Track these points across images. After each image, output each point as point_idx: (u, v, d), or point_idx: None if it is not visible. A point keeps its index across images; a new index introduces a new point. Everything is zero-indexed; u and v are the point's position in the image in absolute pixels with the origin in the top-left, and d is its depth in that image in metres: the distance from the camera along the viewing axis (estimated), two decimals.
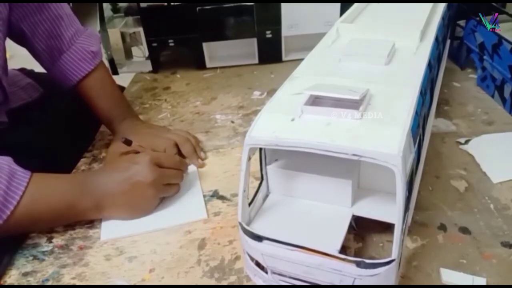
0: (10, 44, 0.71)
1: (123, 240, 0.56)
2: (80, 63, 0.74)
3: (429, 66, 0.55)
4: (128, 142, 0.65)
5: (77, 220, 0.59)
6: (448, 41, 0.90)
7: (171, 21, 0.98)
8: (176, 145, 0.70)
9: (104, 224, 0.58)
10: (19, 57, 0.82)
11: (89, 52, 0.75)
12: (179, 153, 0.70)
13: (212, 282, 0.50)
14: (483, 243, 0.51)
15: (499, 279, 0.47)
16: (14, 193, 0.52)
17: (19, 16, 0.69)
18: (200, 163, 0.70)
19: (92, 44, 0.76)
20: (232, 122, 0.82)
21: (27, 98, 0.80)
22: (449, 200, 0.58)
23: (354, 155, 0.39)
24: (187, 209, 0.61)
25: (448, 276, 0.48)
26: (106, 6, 1.09)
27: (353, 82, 0.48)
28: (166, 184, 0.60)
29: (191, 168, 0.68)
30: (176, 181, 0.62)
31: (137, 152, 0.69)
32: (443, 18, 0.70)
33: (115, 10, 1.14)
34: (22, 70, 0.86)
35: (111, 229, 0.58)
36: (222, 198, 0.62)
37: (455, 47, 0.95)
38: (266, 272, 0.46)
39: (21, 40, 0.72)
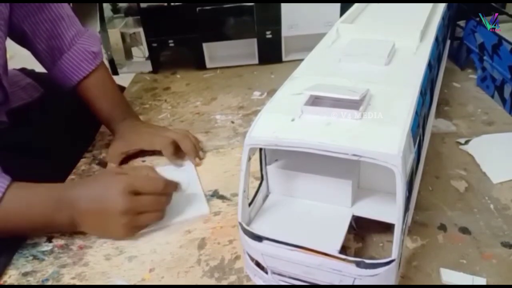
0: (10, 44, 0.71)
1: (123, 239, 0.56)
2: (81, 64, 0.74)
3: (429, 66, 0.55)
4: (103, 165, 0.65)
5: (55, 232, 0.58)
6: (448, 42, 0.90)
7: (171, 21, 0.98)
8: (175, 143, 0.70)
9: None
10: (20, 57, 0.82)
11: (90, 53, 0.75)
12: (178, 150, 0.70)
13: (212, 282, 0.50)
14: (483, 243, 0.52)
15: (499, 279, 0.47)
16: None
17: (20, 16, 0.69)
18: (198, 162, 0.70)
19: (93, 44, 0.76)
20: (232, 122, 0.82)
21: (27, 98, 0.80)
22: (449, 200, 0.58)
23: (354, 155, 0.39)
24: (189, 206, 0.61)
25: (448, 276, 0.48)
26: (106, 6, 1.09)
27: (353, 82, 0.48)
28: (143, 212, 0.55)
29: (190, 166, 0.68)
30: (156, 208, 0.56)
31: (135, 154, 0.69)
32: (443, 18, 0.70)
33: (115, 10, 1.14)
34: (23, 70, 0.86)
35: None
36: (222, 198, 0.62)
37: (455, 48, 0.95)
38: (266, 272, 0.46)
39: (22, 40, 0.72)
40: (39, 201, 0.54)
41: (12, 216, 0.53)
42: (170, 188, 0.58)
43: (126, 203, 0.53)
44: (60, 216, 0.54)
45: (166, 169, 0.66)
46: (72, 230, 0.57)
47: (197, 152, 0.71)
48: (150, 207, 0.56)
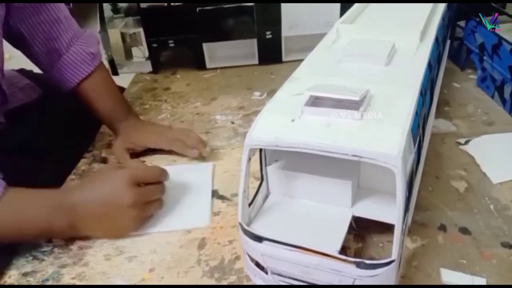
0: (9, 45, 0.71)
1: (123, 239, 0.56)
2: (80, 65, 0.74)
3: (429, 66, 0.55)
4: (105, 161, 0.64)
5: (53, 238, 0.57)
6: (448, 42, 0.90)
7: (171, 21, 0.98)
8: (181, 141, 0.71)
9: None
10: (19, 58, 0.82)
11: (88, 54, 0.75)
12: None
13: (212, 282, 0.50)
14: (483, 243, 0.52)
15: (499, 279, 0.47)
16: None
17: (18, 19, 0.69)
18: (207, 151, 0.70)
19: (91, 45, 0.76)
20: (232, 122, 0.82)
21: (26, 99, 0.79)
22: (449, 200, 0.58)
23: (354, 155, 0.39)
24: (192, 215, 0.59)
25: (448, 276, 0.48)
26: (106, 7, 1.09)
27: (353, 83, 0.48)
28: (148, 201, 0.57)
29: (208, 167, 0.68)
30: (157, 196, 0.58)
31: (137, 152, 0.69)
32: (443, 19, 0.70)
33: (115, 10, 1.14)
34: (21, 71, 0.85)
35: None
36: (222, 198, 0.62)
37: (455, 48, 0.95)
38: (266, 273, 0.46)
39: (19, 42, 0.72)
40: (32, 211, 0.53)
41: (6, 223, 0.52)
42: (164, 176, 0.60)
43: (133, 196, 0.54)
44: (59, 222, 0.53)
45: (183, 168, 0.68)
46: (71, 235, 0.56)
47: (204, 145, 0.71)
48: (153, 196, 0.57)
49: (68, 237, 0.56)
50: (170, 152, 0.72)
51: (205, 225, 0.58)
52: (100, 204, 0.54)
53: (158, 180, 0.59)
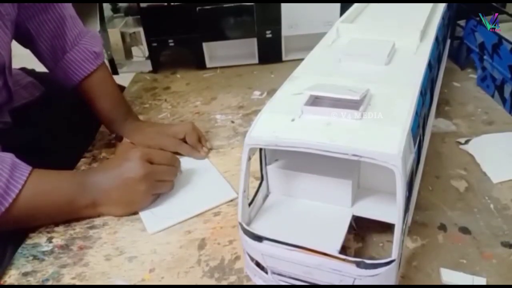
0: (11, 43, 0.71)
1: (123, 240, 0.56)
2: (83, 63, 0.75)
3: (429, 66, 0.55)
4: (119, 138, 0.66)
5: (75, 217, 0.59)
6: (448, 41, 0.90)
7: (171, 21, 0.98)
8: (184, 139, 0.71)
9: (144, 218, 0.59)
10: (20, 57, 0.82)
11: (92, 53, 0.75)
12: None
13: (212, 282, 0.50)
14: (483, 243, 0.52)
15: (499, 279, 0.47)
16: (17, 182, 0.53)
17: (26, 16, 0.70)
18: (204, 151, 0.71)
19: (95, 45, 0.77)
20: (232, 122, 0.82)
21: (29, 97, 0.80)
22: (449, 200, 0.58)
23: (354, 155, 0.39)
24: (217, 193, 0.63)
25: (448, 276, 0.48)
26: (106, 6, 1.09)
27: (353, 82, 0.48)
28: (159, 180, 0.61)
29: (204, 160, 0.71)
30: (169, 178, 0.62)
31: None
32: (443, 18, 0.70)
33: (115, 10, 1.14)
34: (23, 69, 0.86)
35: (154, 222, 0.58)
36: None
37: (455, 47, 0.95)
38: (266, 272, 0.46)
39: (26, 39, 0.73)
40: (62, 184, 0.58)
41: (38, 198, 0.55)
42: (176, 161, 0.64)
43: (144, 170, 0.58)
44: (82, 200, 0.58)
45: (184, 161, 0.69)
46: (92, 214, 0.60)
47: (204, 144, 0.72)
48: (165, 176, 0.62)
49: (89, 216, 0.60)
50: None
51: (233, 197, 0.61)
52: (116, 178, 0.58)
53: (169, 163, 0.63)
